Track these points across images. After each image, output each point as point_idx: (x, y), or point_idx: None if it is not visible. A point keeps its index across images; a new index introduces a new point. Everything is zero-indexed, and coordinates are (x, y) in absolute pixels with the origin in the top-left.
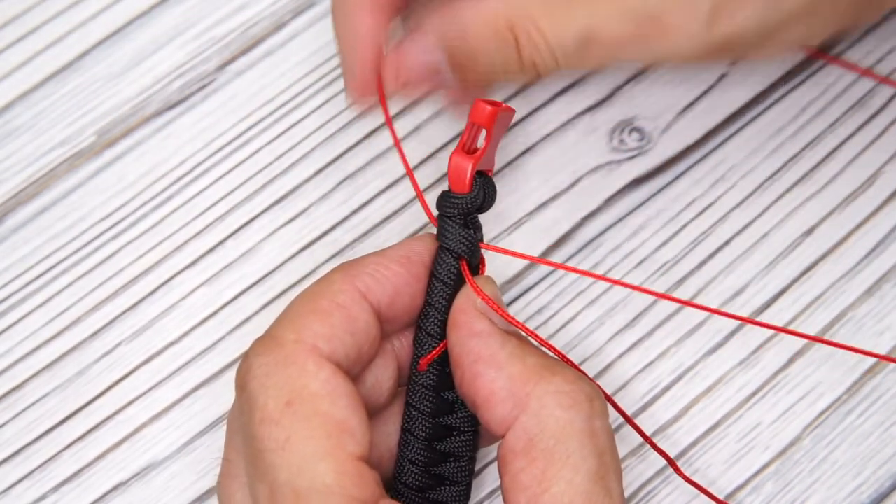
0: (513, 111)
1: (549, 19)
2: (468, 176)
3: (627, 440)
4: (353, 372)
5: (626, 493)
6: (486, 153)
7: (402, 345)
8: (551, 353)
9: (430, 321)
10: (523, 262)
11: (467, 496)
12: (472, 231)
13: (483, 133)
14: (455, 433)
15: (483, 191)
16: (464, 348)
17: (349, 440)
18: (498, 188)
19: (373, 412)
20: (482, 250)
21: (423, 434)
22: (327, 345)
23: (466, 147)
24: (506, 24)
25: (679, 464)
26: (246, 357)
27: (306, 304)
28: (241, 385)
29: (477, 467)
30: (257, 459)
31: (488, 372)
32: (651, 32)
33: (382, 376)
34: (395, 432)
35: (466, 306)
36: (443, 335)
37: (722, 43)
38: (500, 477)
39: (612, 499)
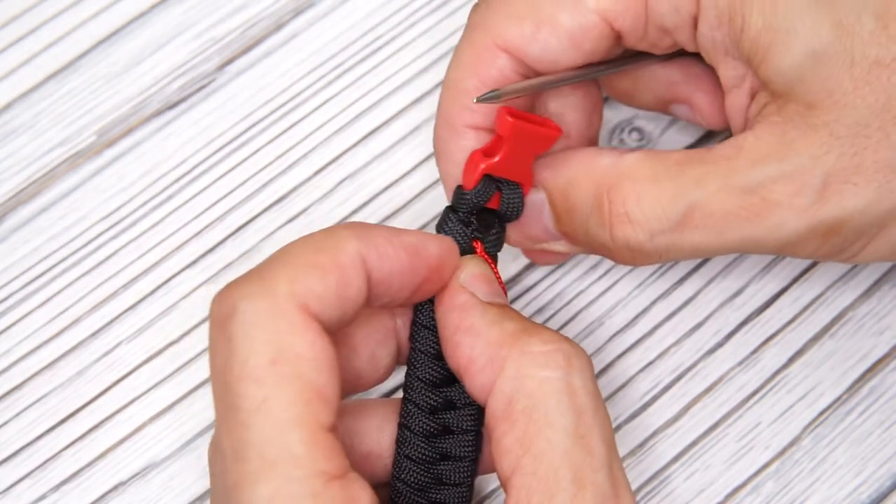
0: (555, 133)
1: (652, 186)
2: (475, 173)
3: (627, 440)
4: (330, 334)
5: None
6: (507, 161)
7: (405, 323)
8: None
9: (424, 313)
10: (523, 262)
11: (469, 499)
12: (470, 229)
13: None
14: (455, 432)
15: (486, 193)
16: (445, 320)
17: (323, 409)
18: None
19: (366, 386)
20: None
21: (420, 430)
22: (318, 304)
23: (492, 151)
24: (606, 189)
25: (679, 463)
26: (230, 292)
27: (307, 254)
28: (221, 323)
29: None
30: (230, 413)
31: (466, 340)
32: (756, 208)
33: (380, 353)
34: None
35: (451, 282)
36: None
37: (829, 224)
38: (488, 445)
39: (594, 458)
